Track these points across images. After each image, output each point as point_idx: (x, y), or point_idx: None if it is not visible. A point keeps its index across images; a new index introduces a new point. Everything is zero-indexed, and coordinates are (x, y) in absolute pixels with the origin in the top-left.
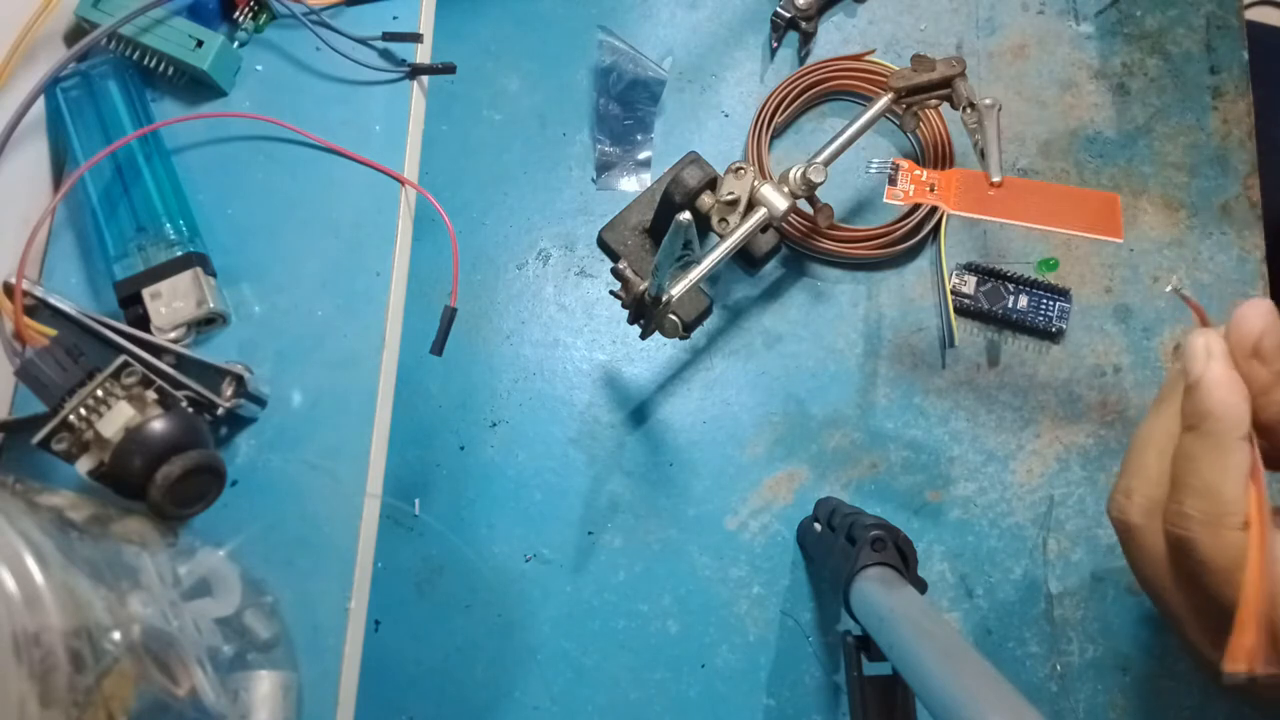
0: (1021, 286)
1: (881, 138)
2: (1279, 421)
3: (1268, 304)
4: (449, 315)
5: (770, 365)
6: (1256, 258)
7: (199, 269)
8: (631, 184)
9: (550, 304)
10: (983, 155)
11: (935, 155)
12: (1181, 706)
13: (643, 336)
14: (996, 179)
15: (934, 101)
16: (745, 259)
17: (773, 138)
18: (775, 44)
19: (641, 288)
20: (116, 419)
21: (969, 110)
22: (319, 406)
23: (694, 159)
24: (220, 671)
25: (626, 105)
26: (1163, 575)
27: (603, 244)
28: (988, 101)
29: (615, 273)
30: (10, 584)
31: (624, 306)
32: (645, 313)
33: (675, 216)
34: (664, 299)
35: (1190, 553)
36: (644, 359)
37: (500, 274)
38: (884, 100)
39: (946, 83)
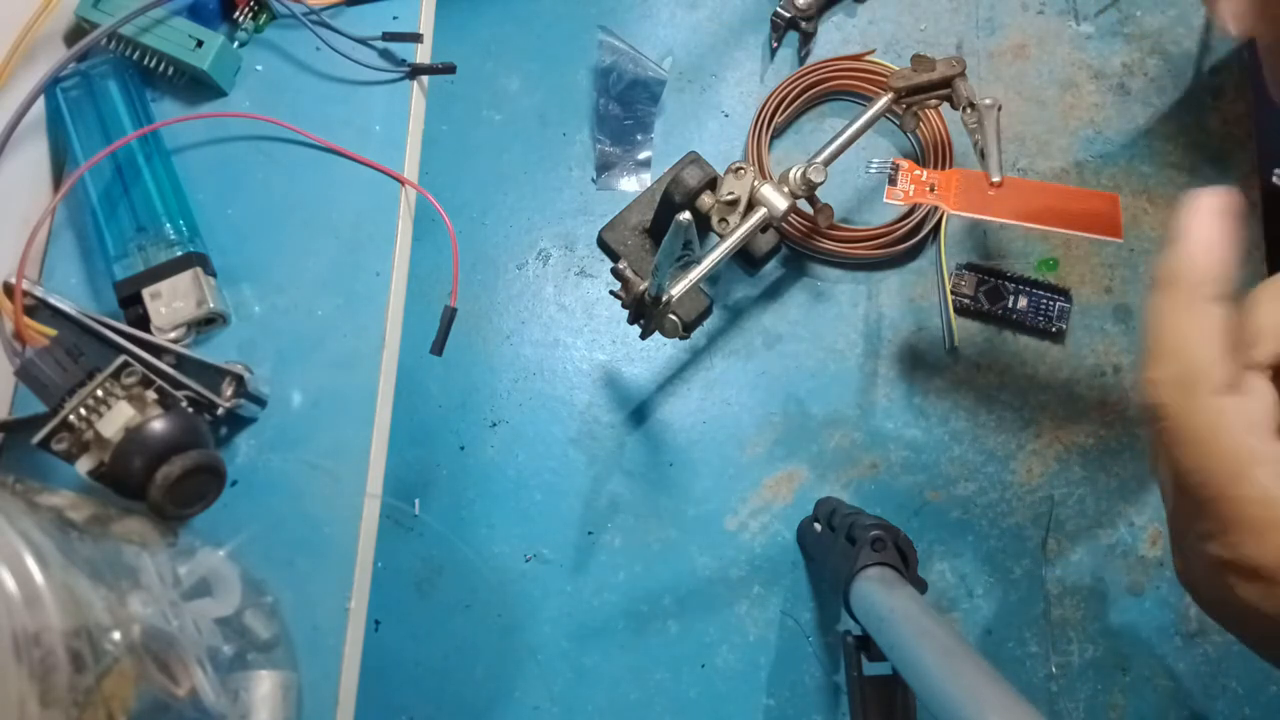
0: (1021, 286)
1: (881, 138)
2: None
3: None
4: (449, 315)
5: (770, 365)
6: (1256, 258)
7: (199, 269)
8: (631, 184)
9: (550, 304)
10: (983, 155)
11: (935, 155)
12: (1181, 706)
13: (643, 336)
14: (996, 179)
15: (934, 101)
16: (745, 259)
17: (773, 138)
18: (775, 44)
19: (641, 288)
20: (116, 419)
21: (969, 110)
22: (319, 406)
23: (694, 159)
24: (220, 671)
25: (626, 105)
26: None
27: (603, 244)
28: (987, 101)
29: (615, 273)
30: (10, 584)
31: (624, 306)
32: (645, 313)
33: (675, 216)
34: (664, 299)
35: (1160, 423)
36: (644, 359)
37: (500, 274)
38: (884, 100)
39: (946, 83)
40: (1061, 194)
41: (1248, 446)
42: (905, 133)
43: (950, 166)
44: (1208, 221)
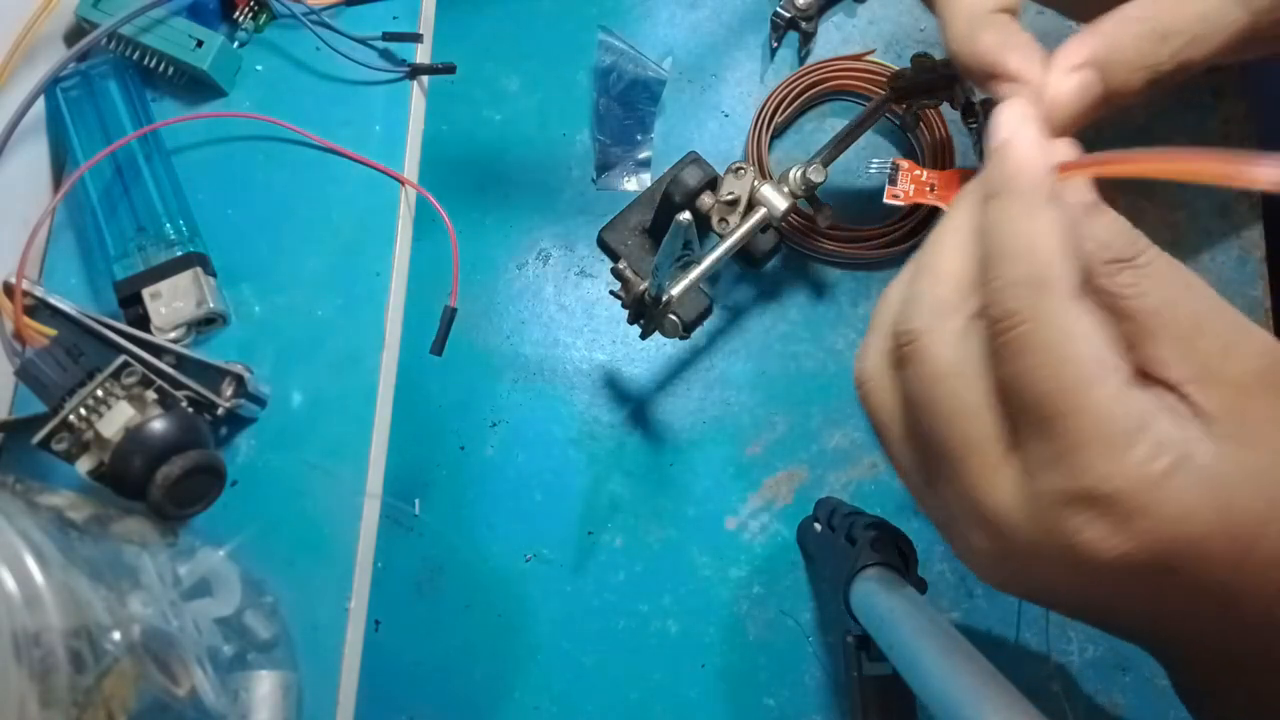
0: None
1: (882, 138)
2: (1088, 262)
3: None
4: (449, 315)
5: (770, 365)
6: (1256, 258)
7: (199, 269)
8: (631, 184)
9: (550, 304)
10: (983, 155)
11: (935, 155)
12: (1181, 707)
13: (643, 336)
14: None
15: (934, 101)
16: (745, 259)
17: (773, 138)
18: (775, 44)
19: (641, 288)
20: (116, 419)
21: (969, 110)
22: (319, 406)
23: (694, 159)
24: (220, 671)
25: (626, 105)
26: (962, 387)
27: (603, 244)
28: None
29: (615, 273)
30: (10, 584)
31: (624, 306)
32: (645, 313)
33: (675, 216)
34: (664, 299)
35: (1001, 329)
36: (644, 359)
37: (500, 274)
38: (884, 100)
39: (947, 83)
40: None
41: (1096, 354)
42: (905, 133)
43: (951, 166)
44: (1025, 126)
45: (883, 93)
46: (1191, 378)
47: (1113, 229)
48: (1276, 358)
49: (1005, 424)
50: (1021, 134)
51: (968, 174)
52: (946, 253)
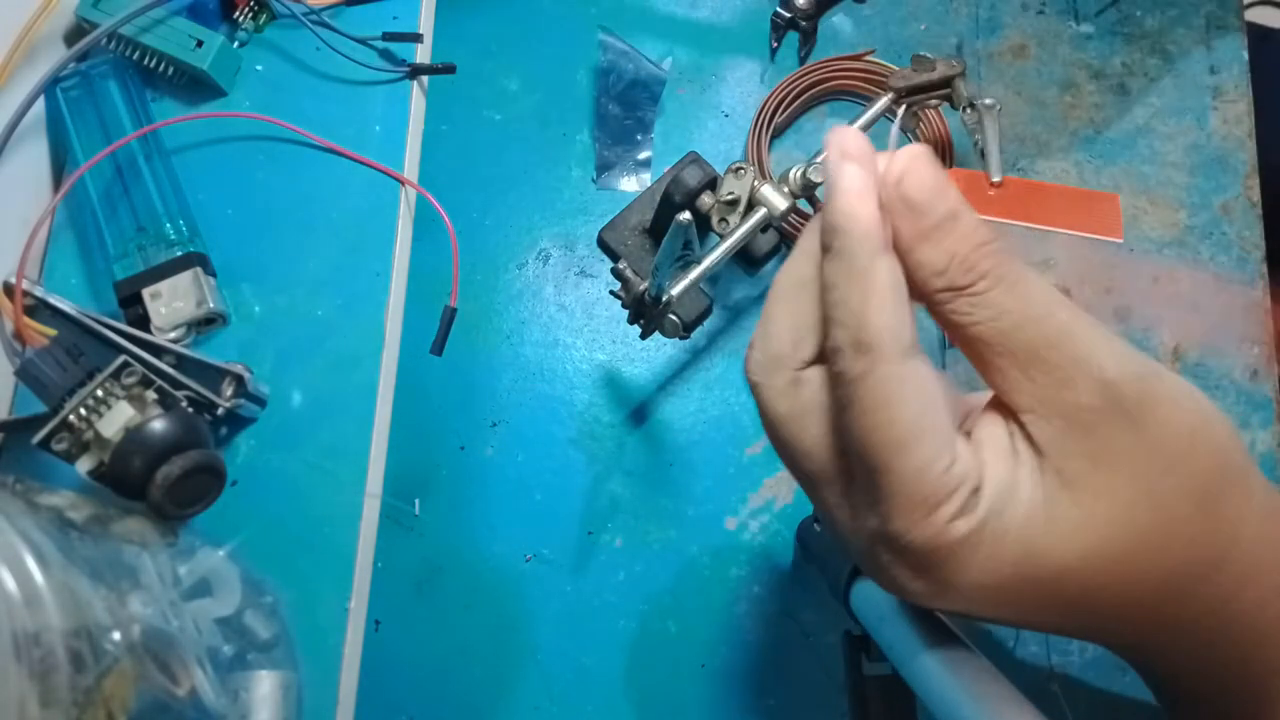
0: None
1: (882, 139)
2: (923, 288)
3: (921, 148)
4: (449, 315)
5: None
6: (1256, 258)
7: (199, 269)
8: (631, 184)
9: (550, 304)
10: (983, 155)
11: (936, 155)
12: None
13: (643, 336)
14: (997, 179)
15: (934, 101)
16: (745, 259)
17: (773, 138)
18: (775, 44)
19: (641, 288)
20: (116, 419)
21: (969, 110)
22: (319, 406)
23: (694, 159)
24: (220, 671)
25: (627, 105)
26: (797, 432)
27: (603, 244)
28: (988, 102)
29: (615, 273)
30: (10, 584)
31: (624, 306)
32: (645, 313)
33: (675, 216)
34: (664, 299)
35: (841, 391)
36: (644, 359)
37: (500, 274)
38: (884, 100)
39: (946, 83)
40: (1061, 194)
41: (915, 417)
42: (905, 133)
43: (951, 167)
44: (857, 180)
45: (882, 93)
46: (1028, 408)
47: (950, 251)
48: (1120, 383)
49: (842, 461)
50: (849, 187)
51: (967, 174)
52: (781, 306)
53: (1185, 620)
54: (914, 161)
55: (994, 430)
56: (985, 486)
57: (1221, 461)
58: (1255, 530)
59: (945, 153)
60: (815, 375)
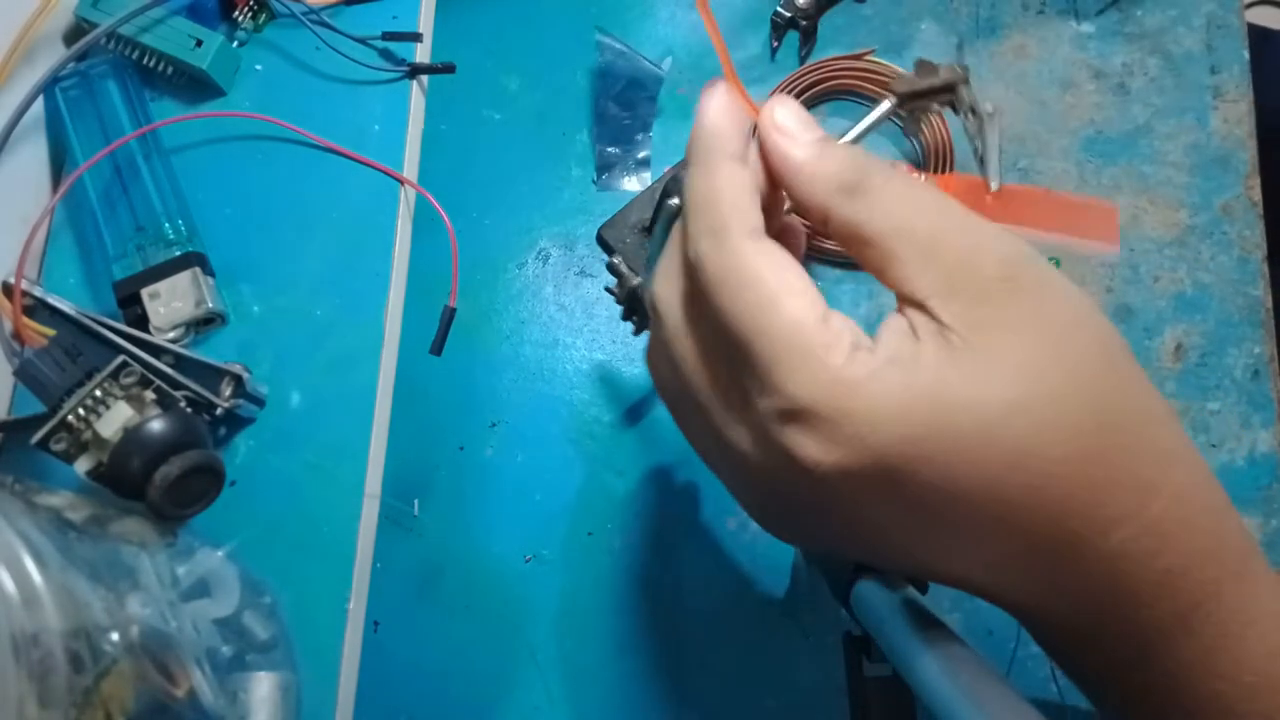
0: None
1: (883, 140)
2: (822, 202)
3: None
4: (448, 315)
5: None
6: (1257, 258)
7: (198, 269)
8: (631, 183)
9: (550, 304)
10: (982, 162)
11: (937, 159)
12: None
13: (635, 333)
14: (994, 186)
15: (936, 107)
16: None
17: None
18: (775, 43)
19: (634, 282)
20: (115, 419)
21: (971, 116)
22: (318, 406)
23: None
24: (219, 672)
25: (626, 105)
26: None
27: (602, 241)
28: (989, 108)
29: (610, 267)
30: (9, 584)
31: (618, 302)
32: (638, 308)
33: (664, 202)
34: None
35: (699, 276)
36: (644, 359)
37: (500, 274)
38: (885, 105)
39: (950, 88)
40: (1059, 203)
41: (777, 278)
42: (907, 136)
43: (952, 171)
44: (720, 100)
45: (883, 93)
46: (933, 292)
47: (840, 161)
48: (1015, 263)
49: (727, 367)
50: (712, 104)
51: (966, 179)
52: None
53: (1111, 511)
54: (780, 97)
55: (888, 323)
56: (881, 345)
57: (1113, 339)
58: (1164, 409)
59: (947, 157)
60: (674, 296)
